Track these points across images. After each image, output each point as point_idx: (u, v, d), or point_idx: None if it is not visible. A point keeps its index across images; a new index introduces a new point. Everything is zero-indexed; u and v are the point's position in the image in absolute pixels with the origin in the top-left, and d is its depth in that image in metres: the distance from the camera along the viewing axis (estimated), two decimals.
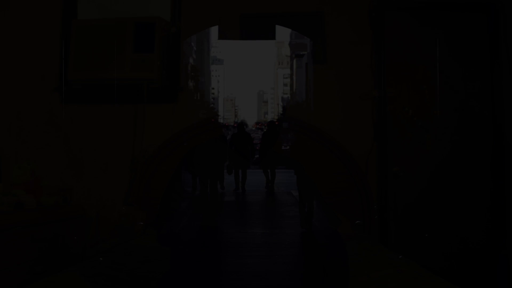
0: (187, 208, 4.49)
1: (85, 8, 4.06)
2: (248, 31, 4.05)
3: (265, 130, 5.05)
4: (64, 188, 3.71)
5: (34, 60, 3.99)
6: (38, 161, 3.77)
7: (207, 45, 4.68)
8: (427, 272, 2.67)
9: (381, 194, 3.87)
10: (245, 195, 5.11)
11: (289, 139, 4.11)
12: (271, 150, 4.73)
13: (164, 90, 3.94)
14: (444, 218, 3.84)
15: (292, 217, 4.55)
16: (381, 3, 3.91)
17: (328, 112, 3.96)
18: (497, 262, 3.84)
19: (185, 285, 2.73)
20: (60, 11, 4.02)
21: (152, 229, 3.72)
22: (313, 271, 3.04)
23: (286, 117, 4.30)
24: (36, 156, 3.86)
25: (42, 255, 3.18)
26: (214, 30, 4.09)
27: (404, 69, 3.91)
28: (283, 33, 4.24)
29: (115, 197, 3.87)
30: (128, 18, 3.78)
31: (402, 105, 3.88)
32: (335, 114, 3.95)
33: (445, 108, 3.87)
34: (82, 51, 3.78)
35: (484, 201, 3.90)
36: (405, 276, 2.61)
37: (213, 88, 5.05)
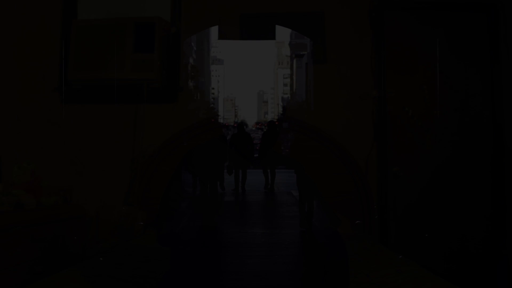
0: (187, 208, 4.49)
1: (85, 8, 4.07)
2: (248, 31, 4.06)
3: (265, 130, 5.04)
4: (64, 188, 3.71)
5: (34, 60, 3.99)
6: (38, 161, 3.76)
7: (207, 45, 4.68)
8: (427, 272, 2.67)
9: (381, 194, 3.87)
10: (245, 195, 5.10)
11: (289, 139, 4.12)
12: (271, 150, 4.72)
13: (164, 90, 3.94)
14: (444, 218, 3.84)
15: (292, 217, 4.55)
16: (381, 3, 3.92)
17: (328, 112, 3.97)
18: (497, 262, 3.84)
19: (185, 285, 2.73)
20: (60, 11, 4.02)
21: (152, 229, 3.72)
22: (313, 271, 3.04)
23: (286, 117, 4.29)
24: (36, 156, 3.86)
25: (42, 255, 3.18)
26: (214, 30, 4.09)
27: (404, 69, 3.92)
28: (283, 33, 4.24)
29: (115, 197, 3.87)
30: (128, 18, 3.78)
31: (402, 105, 3.88)
32: (335, 114, 3.96)
33: (445, 108, 3.88)
34: (82, 51, 3.78)
35: (484, 201, 3.90)
36: (405, 276, 2.61)
37: (213, 88, 5.05)
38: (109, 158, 3.93)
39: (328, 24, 3.99)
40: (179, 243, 3.59)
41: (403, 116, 3.88)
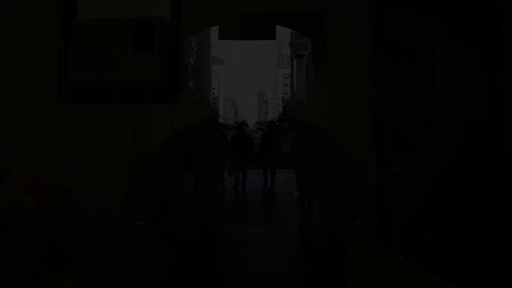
0: (187, 208, 4.48)
1: (85, 8, 4.07)
2: (248, 31, 4.06)
3: (265, 130, 5.03)
4: (64, 188, 3.71)
5: (34, 60, 4.00)
6: (38, 161, 3.77)
7: (207, 45, 4.68)
8: (427, 272, 2.67)
9: (381, 194, 3.87)
10: (245, 195, 5.10)
11: (289, 139, 4.11)
12: (271, 150, 4.71)
13: (164, 90, 3.95)
14: (444, 218, 3.84)
15: (292, 217, 4.54)
16: (381, 3, 3.92)
17: (328, 112, 3.97)
18: (497, 262, 3.84)
19: (185, 285, 2.72)
20: (60, 11, 4.03)
21: (152, 229, 3.72)
22: (313, 271, 3.03)
23: (286, 117, 4.29)
24: (36, 156, 3.87)
25: (42, 255, 3.18)
26: (214, 30, 4.10)
27: (404, 69, 3.92)
28: (283, 33, 4.24)
29: (115, 197, 3.88)
30: (128, 18, 3.78)
31: (402, 105, 3.88)
32: (335, 114, 3.96)
33: (445, 108, 3.88)
34: (82, 51, 3.78)
35: (484, 201, 3.90)
36: (405, 276, 2.61)
37: (213, 88, 5.04)
38: (109, 158, 3.93)
39: (328, 24, 3.99)
40: (179, 243, 3.58)
41: (403, 116, 3.88)
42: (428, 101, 3.88)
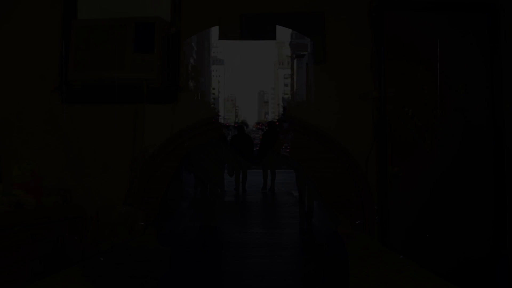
0: (188, 208, 4.48)
1: (85, 8, 4.06)
2: (248, 31, 4.06)
3: (265, 130, 5.03)
4: (64, 188, 3.71)
5: (34, 60, 4.00)
6: (38, 161, 3.77)
7: (207, 45, 4.67)
8: (427, 272, 2.66)
9: (381, 194, 3.87)
10: (245, 195, 5.10)
11: (289, 139, 4.11)
12: (271, 150, 4.71)
13: (164, 90, 3.95)
14: (444, 218, 3.84)
15: (293, 217, 4.53)
16: (381, 3, 3.92)
17: (328, 112, 3.97)
18: (497, 262, 3.84)
19: (185, 285, 2.72)
20: (60, 11, 4.03)
21: (152, 229, 3.72)
22: (313, 271, 3.02)
23: (287, 117, 4.28)
24: (36, 156, 3.87)
25: (42, 255, 3.18)
26: (214, 30, 4.10)
27: (404, 69, 3.92)
28: (283, 33, 4.24)
29: (115, 197, 3.88)
30: (128, 18, 3.78)
31: (402, 105, 3.88)
32: (335, 114, 3.96)
33: (445, 108, 3.88)
34: (82, 51, 3.78)
35: (484, 201, 3.90)
36: (405, 276, 2.61)
37: (213, 89, 5.04)
38: (109, 158, 3.94)
39: (328, 24, 3.99)
40: (179, 243, 3.58)
41: (403, 116, 3.88)
42: (428, 101, 3.88)
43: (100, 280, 2.61)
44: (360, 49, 3.97)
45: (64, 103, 3.96)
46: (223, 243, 3.95)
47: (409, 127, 3.88)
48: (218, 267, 3.20)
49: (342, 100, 3.97)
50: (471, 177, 3.90)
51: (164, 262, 3.02)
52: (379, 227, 3.85)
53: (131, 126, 3.93)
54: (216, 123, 4.15)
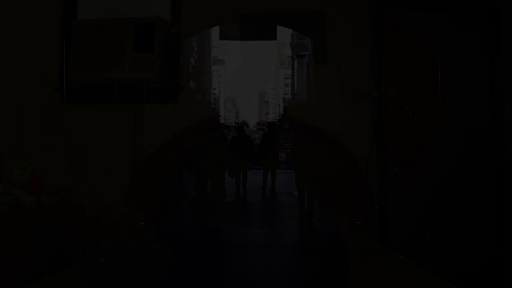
0: (188, 208, 4.48)
1: (85, 8, 4.07)
2: (249, 32, 4.06)
3: (265, 131, 5.04)
4: (64, 188, 3.71)
5: (34, 60, 4.00)
6: (38, 161, 3.76)
7: (208, 46, 4.69)
8: (427, 272, 2.67)
9: (381, 194, 3.87)
10: (246, 195, 5.11)
11: (289, 139, 4.12)
12: (271, 151, 4.72)
13: (164, 90, 3.95)
14: (445, 218, 3.84)
15: (293, 217, 4.54)
16: (381, 3, 3.92)
17: (328, 112, 3.97)
18: (497, 262, 3.84)
19: (185, 285, 2.72)
20: (60, 11, 4.03)
21: (152, 229, 3.72)
22: (313, 271, 3.03)
23: (287, 117, 4.29)
24: (36, 156, 3.86)
25: (42, 255, 3.18)
26: (215, 31, 4.11)
27: (404, 69, 3.92)
28: (284, 33, 4.25)
29: (115, 197, 3.87)
30: (128, 18, 3.78)
31: (402, 105, 3.88)
32: (335, 114, 3.96)
33: (446, 108, 3.88)
34: (82, 51, 3.78)
35: (484, 201, 3.90)
36: (405, 276, 2.61)
37: (214, 89, 5.06)
38: (109, 158, 3.94)
39: (328, 24, 3.99)
40: (180, 243, 3.58)
41: (403, 116, 3.88)
42: (428, 101, 3.88)
43: (100, 280, 2.61)
44: (360, 49, 3.97)
45: (64, 103, 3.96)
46: (224, 244, 3.96)
47: (409, 127, 3.88)
48: (218, 267, 3.20)
49: (342, 100, 3.96)
50: (471, 177, 3.90)
51: (164, 262, 3.02)
52: (379, 227, 3.85)
53: (131, 126, 3.93)
54: (217, 123, 4.16)
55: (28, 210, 3.29)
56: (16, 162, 3.59)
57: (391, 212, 3.86)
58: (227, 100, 5.47)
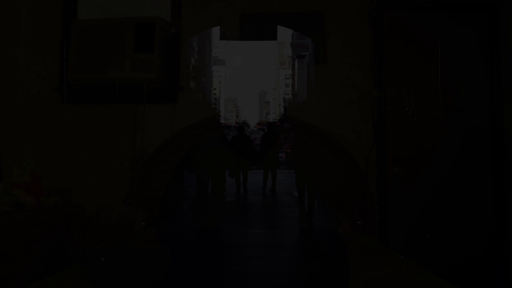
0: (188, 208, 4.48)
1: (85, 8, 4.07)
2: (249, 32, 4.06)
3: (265, 131, 5.04)
4: (64, 188, 3.71)
5: (34, 60, 4.00)
6: (38, 161, 3.77)
7: (208, 46, 4.68)
8: (427, 272, 2.66)
9: (381, 194, 3.87)
10: (246, 195, 5.10)
11: (290, 139, 4.11)
12: (271, 151, 4.72)
13: (164, 90, 3.95)
14: (445, 218, 3.84)
15: (293, 217, 4.54)
16: (381, 3, 3.92)
17: (328, 112, 3.98)
18: (497, 262, 3.83)
19: (186, 285, 2.72)
20: (60, 11, 4.03)
21: (152, 229, 3.72)
22: (313, 271, 3.03)
23: (287, 118, 4.28)
24: (36, 156, 3.86)
25: (42, 255, 3.18)
26: (216, 31, 4.10)
27: (404, 69, 3.92)
28: (284, 33, 4.25)
29: (115, 197, 3.87)
30: (128, 18, 3.78)
31: (402, 105, 3.88)
32: (336, 114, 3.96)
33: (446, 108, 3.88)
34: (82, 51, 3.78)
35: (484, 200, 3.90)
36: (406, 276, 2.61)
37: (214, 89, 5.05)
38: (109, 158, 3.94)
39: (328, 24, 4.00)
40: (180, 243, 3.58)
41: (403, 116, 3.88)
42: (428, 101, 3.88)
43: (100, 280, 2.61)
44: (360, 49, 3.97)
45: (64, 103, 3.96)
46: (224, 243, 3.95)
47: (409, 127, 3.88)
48: (219, 267, 3.20)
49: (342, 100, 3.97)
50: (471, 177, 3.90)
51: (164, 262, 3.02)
52: (379, 227, 3.85)
53: (131, 126, 3.93)
54: (217, 123, 4.15)
55: (28, 210, 3.29)
56: (16, 162, 3.59)
57: (391, 212, 3.86)
58: (227, 100, 5.47)
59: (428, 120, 3.88)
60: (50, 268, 2.94)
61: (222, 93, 5.26)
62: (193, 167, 4.23)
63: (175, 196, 4.06)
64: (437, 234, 3.81)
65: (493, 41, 3.91)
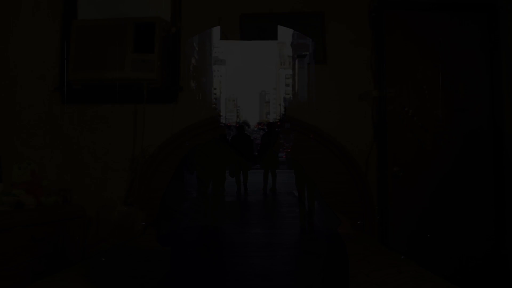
0: (188, 208, 4.48)
1: (85, 8, 4.07)
2: (249, 32, 4.06)
3: (265, 132, 5.03)
4: (64, 188, 3.71)
5: (34, 60, 4.00)
6: (38, 161, 3.78)
7: (209, 46, 4.67)
8: (427, 272, 2.66)
9: (381, 194, 3.87)
10: (246, 195, 5.10)
11: (290, 139, 4.11)
12: (271, 150, 4.71)
13: (164, 90, 3.95)
14: (445, 218, 3.84)
15: (294, 217, 4.52)
16: (381, 3, 3.92)
17: (328, 112, 3.98)
18: (497, 262, 3.83)
19: (186, 285, 2.72)
20: (60, 11, 4.04)
21: (153, 229, 3.71)
22: (313, 271, 3.02)
23: (287, 118, 4.28)
24: (36, 156, 3.87)
25: (42, 255, 3.18)
26: (216, 31, 4.09)
27: (404, 69, 3.92)
28: (285, 33, 4.24)
29: (115, 197, 3.88)
30: (128, 18, 3.78)
31: (402, 105, 3.88)
32: (336, 114, 3.97)
33: (446, 108, 3.87)
34: (82, 51, 3.78)
35: (484, 200, 3.90)
36: (406, 276, 2.60)
37: (215, 89, 5.04)
38: (109, 158, 3.94)
39: (328, 24, 4.00)
40: (180, 243, 3.58)
41: (403, 116, 3.88)
42: (428, 101, 3.88)
43: (100, 280, 2.61)
44: (360, 49, 3.97)
45: (65, 103, 3.96)
46: (224, 243, 3.95)
47: (409, 127, 3.88)
48: (219, 267, 3.20)
49: (342, 100, 3.97)
50: (471, 177, 3.90)
51: (164, 262, 3.02)
52: (379, 227, 3.85)
53: (131, 126, 3.94)
54: (217, 123, 4.15)
55: (28, 210, 3.29)
56: (16, 162, 3.59)
57: (391, 212, 3.86)
58: (228, 100, 5.46)
59: (428, 120, 3.88)
60: (50, 268, 2.94)
61: (222, 93, 5.25)
62: (193, 167, 4.23)
63: (175, 196, 4.05)
64: (437, 234, 3.81)
65: (493, 41, 3.91)
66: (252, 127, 5.28)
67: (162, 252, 3.27)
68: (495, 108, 3.89)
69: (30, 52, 4.01)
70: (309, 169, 3.94)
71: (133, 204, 3.79)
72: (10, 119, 3.99)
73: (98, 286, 2.55)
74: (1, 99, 4.01)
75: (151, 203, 3.78)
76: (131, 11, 3.92)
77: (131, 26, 3.74)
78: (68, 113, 3.96)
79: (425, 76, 3.89)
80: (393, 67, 3.90)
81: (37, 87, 4.00)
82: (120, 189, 3.91)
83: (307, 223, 4.30)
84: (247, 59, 4.66)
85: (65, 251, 3.40)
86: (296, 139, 4.04)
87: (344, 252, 3.06)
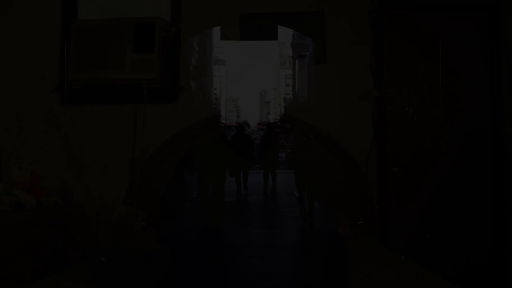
0: (189, 208, 4.48)
1: (85, 8, 4.07)
2: (249, 32, 4.06)
3: (265, 132, 5.03)
4: (64, 188, 3.72)
5: (34, 60, 4.01)
6: (38, 161, 3.78)
7: (209, 46, 4.67)
8: (427, 272, 2.65)
9: (381, 194, 3.87)
10: (246, 195, 5.10)
11: (290, 139, 4.11)
12: (271, 151, 4.71)
13: (164, 90, 3.95)
14: (445, 218, 3.84)
15: (294, 217, 4.52)
16: (381, 3, 3.92)
17: (328, 112, 3.97)
18: (497, 262, 3.83)
19: (186, 285, 2.72)
20: (60, 11, 4.04)
21: (153, 229, 3.71)
22: (313, 271, 3.02)
23: (287, 118, 4.28)
24: (36, 156, 3.88)
25: (42, 255, 3.18)
26: (216, 31, 4.09)
27: (404, 69, 3.92)
28: (285, 33, 4.24)
29: (115, 197, 3.88)
30: (128, 18, 3.78)
31: (402, 105, 3.88)
32: (336, 114, 3.96)
33: (446, 108, 3.87)
34: (82, 51, 3.78)
35: (484, 201, 3.89)
36: (406, 276, 2.60)
37: (215, 89, 5.04)
38: (109, 158, 3.94)
39: (328, 24, 4.00)
40: (180, 244, 3.58)
41: (403, 116, 3.88)
42: (428, 101, 3.88)
43: (100, 280, 2.61)
44: (360, 49, 3.97)
45: (65, 103, 3.96)
46: (224, 243, 3.95)
47: (409, 127, 3.88)
48: (219, 267, 3.19)
49: (342, 100, 3.97)
50: (471, 177, 3.89)
51: (164, 262, 3.01)
52: (379, 227, 3.85)
53: (131, 126, 3.94)
54: (218, 123, 4.15)
55: (28, 210, 3.29)
56: (16, 162, 3.60)
57: (391, 212, 3.86)
58: (228, 100, 5.45)
59: (428, 120, 3.88)
60: (50, 268, 2.94)
61: (222, 93, 5.25)
62: (193, 167, 4.23)
63: (175, 196, 4.05)
64: (437, 234, 3.80)
65: (493, 41, 3.91)
66: (252, 127, 5.28)
67: (162, 252, 3.26)
68: (495, 108, 3.89)
69: (30, 52, 4.01)
70: (309, 169, 3.94)
71: (133, 204, 3.79)
72: (10, 119, 3.99)
73: (98, 286, 2.55)
74: (1, 99, 4.01)
75: (151, 203, 3.78)
76: (131, 11, 3.93)
77: (131, 26, 3.74)
78: (68, 113, 3.96)
79: (425, 76, 3.89)
80: (393, 67, 3.90)
81: (37, 87, 4.00)
82: (120, 189, 3.91)
83: (307, 223, 4.30)
84: (247, 59, 4.66)
85: (65, 251, 3.40)
86: (296, 139, 4.04)
87: (344, 252, 3.06)
